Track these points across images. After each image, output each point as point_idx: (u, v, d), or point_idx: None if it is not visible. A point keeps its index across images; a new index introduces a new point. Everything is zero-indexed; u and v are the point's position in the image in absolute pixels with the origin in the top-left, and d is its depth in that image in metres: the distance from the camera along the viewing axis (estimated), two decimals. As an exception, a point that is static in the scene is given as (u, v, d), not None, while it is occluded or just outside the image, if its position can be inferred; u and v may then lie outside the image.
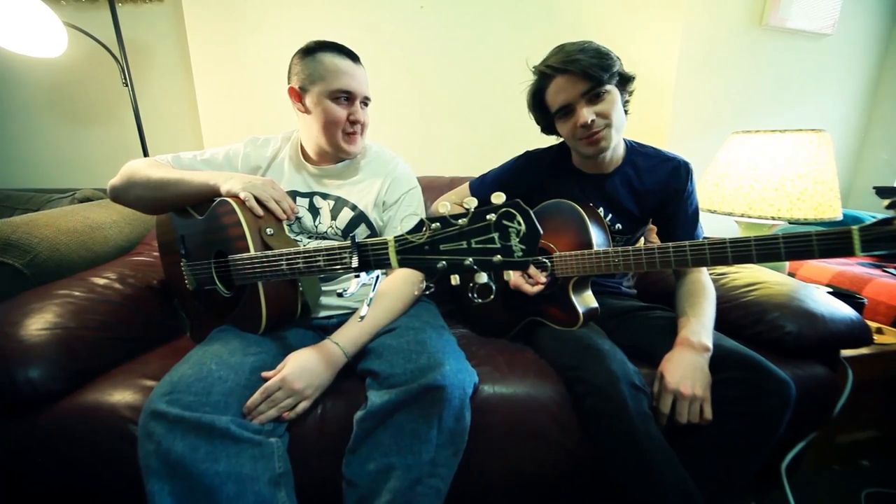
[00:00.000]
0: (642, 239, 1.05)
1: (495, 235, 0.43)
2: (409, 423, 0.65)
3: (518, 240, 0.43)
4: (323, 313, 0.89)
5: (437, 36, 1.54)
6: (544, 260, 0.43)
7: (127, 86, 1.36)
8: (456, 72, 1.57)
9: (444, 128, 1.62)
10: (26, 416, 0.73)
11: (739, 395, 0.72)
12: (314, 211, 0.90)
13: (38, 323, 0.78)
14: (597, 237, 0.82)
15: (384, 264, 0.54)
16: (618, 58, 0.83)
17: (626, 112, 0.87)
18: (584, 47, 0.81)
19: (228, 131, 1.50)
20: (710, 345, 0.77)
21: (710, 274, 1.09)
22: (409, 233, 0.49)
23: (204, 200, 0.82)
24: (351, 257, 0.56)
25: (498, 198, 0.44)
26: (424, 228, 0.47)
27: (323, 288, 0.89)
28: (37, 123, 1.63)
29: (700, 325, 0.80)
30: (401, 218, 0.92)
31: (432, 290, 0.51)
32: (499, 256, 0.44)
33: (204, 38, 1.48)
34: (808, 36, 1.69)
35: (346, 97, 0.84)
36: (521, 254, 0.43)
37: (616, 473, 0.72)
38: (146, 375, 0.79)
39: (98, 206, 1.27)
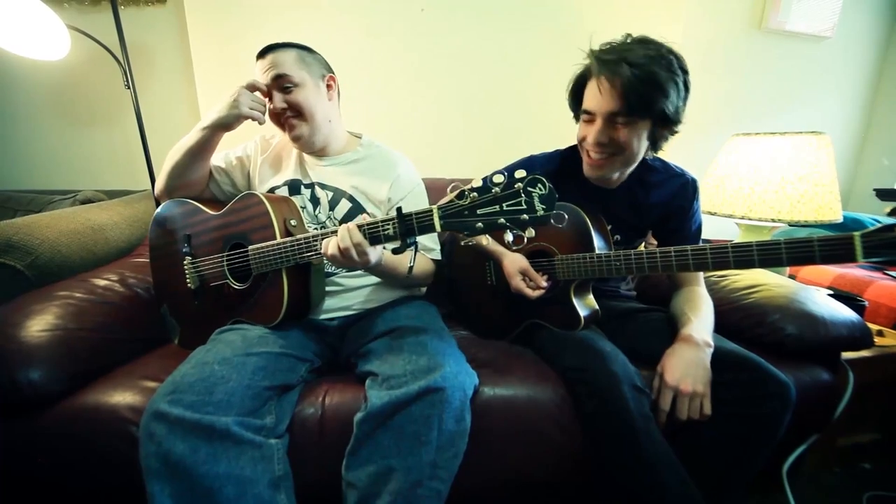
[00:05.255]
0: (642, 244, 1.05)
1: (522, 199, 0.54)
2: (409, 424, 0.64)
3: (540, 201, 0.54)
4: (324, 315, 0.89)
5: (438, 38, 1.55)
6: (563, 214, 0.53)
7: (129, 88, 1.37)
8: (457, 73, 1.58)
9: (446, 129, 1.62)
10: (27, 417, 0.73)
11: (740, 397, 0.72)
12: (315, 201, 0.91)
13: (39, 324, 0.78)
14: (598, 241, 0.82)
15: (428, 229, 0.61)
16: (678, 90, 0.74)
17: (656, 150, 0.82)
18: (642, 62, 0.70)
19: (229, 134, 1.51)
20: (712, 342, 0.77)
21: (711, 276, 1.09)
22: (452, 199, 0.58)
23: (213, 145, 0.89)
24: (395, 226, 0.63)
25: (520, 174, 0.55)
26: (465, 196, 0.57)
27: (327, 289, 0.89)
28: (39, 125, 1.63)
29: (701, 325, 0.80)
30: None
31: (472, 243, 0.61)
32: (525, 215, 0.54)
33: (206, 41, 1.49)
34: (807, 39, 1.70)
35: (266, 96, 0.86)
36: (542, 212, 0.54)
37: (617, 474, 0.72)
38: (146, 376, 0.79)
39: (99, 207, 1.27)
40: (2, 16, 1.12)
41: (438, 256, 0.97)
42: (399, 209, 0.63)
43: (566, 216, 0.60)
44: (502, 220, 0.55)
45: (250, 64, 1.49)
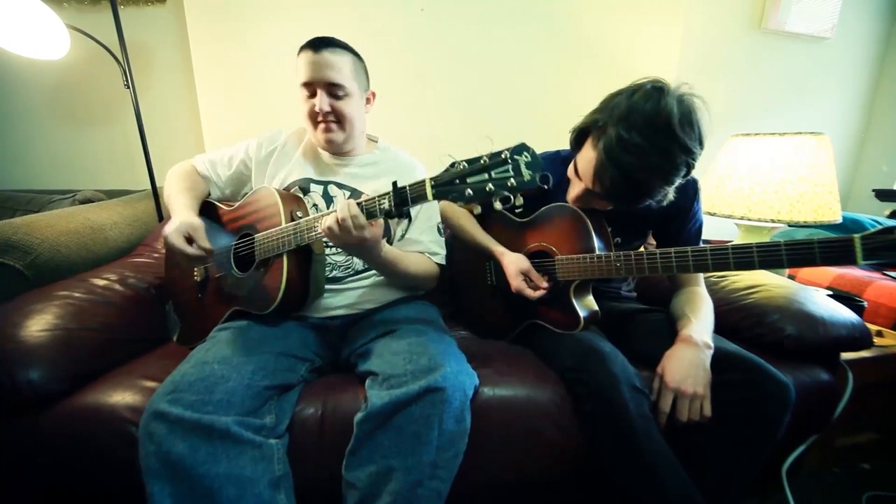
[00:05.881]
0: (643, 247, 1.05)
1: (509, 166, 0.56)
2: (409, 424, 0.64)
3: (526, 167, 0.56)
4: (325, 314, 0.89)
5: (438, 38, 1.55)
6: (548, 175, 0.56)
7: (128, 87, 1.37)
8: (457, 73, 1.58)
9: (445, 129, 1.62)
10: (27, 417, 0.73)
11: (739, 397, 0.72)
12: (328, 199, 0.91)
13: (39, 324, 0.78)
14: (598, 242, 0.82)
15: (421, 199, 0.63)
16: (672, 186, 0.72)
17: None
18: (641, 177, 0.69)
19: (229, 133, 1.51)
20: (712, 343, 0.77)
21: (711, 276, 1.09)
22: (444, 170, 0.61)
23: None
24: (390, 199, 0.65)
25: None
26: (456, 166, 0.60)
27: (330, 287, 0.89)
28: (39, 125, 1.63)
29: (701, 326, 0.80)
30: (422, 219, 0.93)
31: (461, 205, 0.62)
32: (513, 181, 0.56)
33: (205, 41, 1.49)
34: (807, 39, 1.70)
35: (308, 91, 0.84)
36: (529, 176, 0.56)
37: (616, 475, 0.72)
38: (146, 376, 0.79)
39: (99, 207, 1.27)
40: (1, 15, 1.12)
41: (442, 261, 0.96)
42: (394, 182, 0.65)
43: (551, 178, 0.61)
44: (490, 187, 0.57)
45: (250, 63, 1.51)
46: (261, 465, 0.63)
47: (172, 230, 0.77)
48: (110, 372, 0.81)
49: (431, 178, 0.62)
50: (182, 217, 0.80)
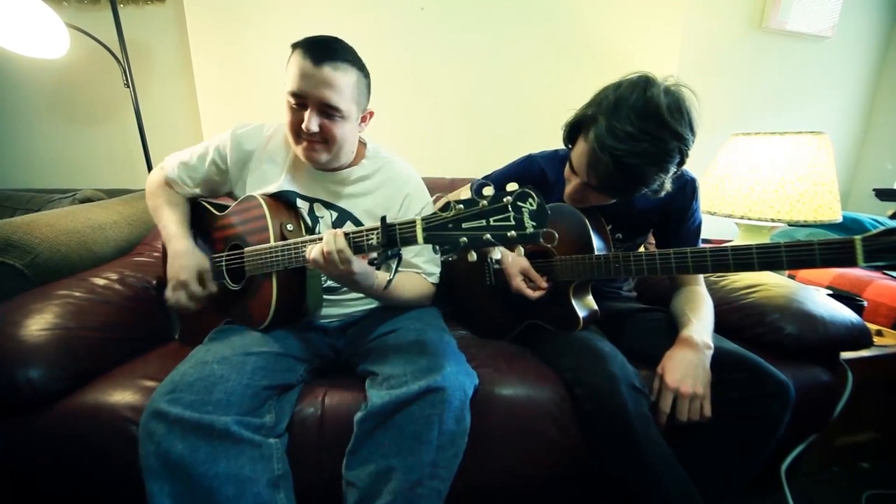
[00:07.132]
0: (643, 246, 1.05)
1: (511, 214, 0.51)
2: (409, 424, 0.64)
3: (529, 217, 0.50)
4: (324, 321, 0.89)
5: (439, 37, 1.55)
6: (554, 233, 0.51)
7: (128, 87, 1.37)
8: (457, 73, 1.58)
9: (445, 128, 1.62)
10: (26, 416, 0.73)
11: (739, 396, 0.73)
12: (314, 218, 0.86)
13: (39, 323, 0.78)
14: (597, 242, 0.82)
15: (410, 241, 0.58)
16: (667, 174, 0.71)
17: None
18: (633, 163, 0.67)
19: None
20: (711, 343, 0.77)
21: (711, 275, 1.09)
22: (436, 211, 0.56)
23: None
24: (378, 235, 0.61)
25: (511, 186, 0.52)
26: (451, 208, 0.54)
27: (327, 297, 0.88)
28: (38, 124, 1.63)
29: (701, 326, 0.80)
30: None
31: (454, 258, 0.57)
32: (513, 232, 0.51)
33: (205, 40, 1.49)
34: (807, 38, 1.70)
35: (297, 102, 0.73)
36: (532, 229, 0.50)
37: (616, 475, 0.72)
38: (146, 376, 0.79)
39: (99, 206, 1.27)
40: (1, 14, 1.12)
41: (437, 280, 0.94)
42: (384, 218, 0.61)
43: (556, 235, 0.58)
44: (488, 236, 0.52)
45: (250, 62, 1.50)
46: (260, 464, 0.63)
47: (189, 278, 0.77)
48: (110, 371, 0.81)
49: (423, 219, 0.57)
50: (189, 257, 0.79)
